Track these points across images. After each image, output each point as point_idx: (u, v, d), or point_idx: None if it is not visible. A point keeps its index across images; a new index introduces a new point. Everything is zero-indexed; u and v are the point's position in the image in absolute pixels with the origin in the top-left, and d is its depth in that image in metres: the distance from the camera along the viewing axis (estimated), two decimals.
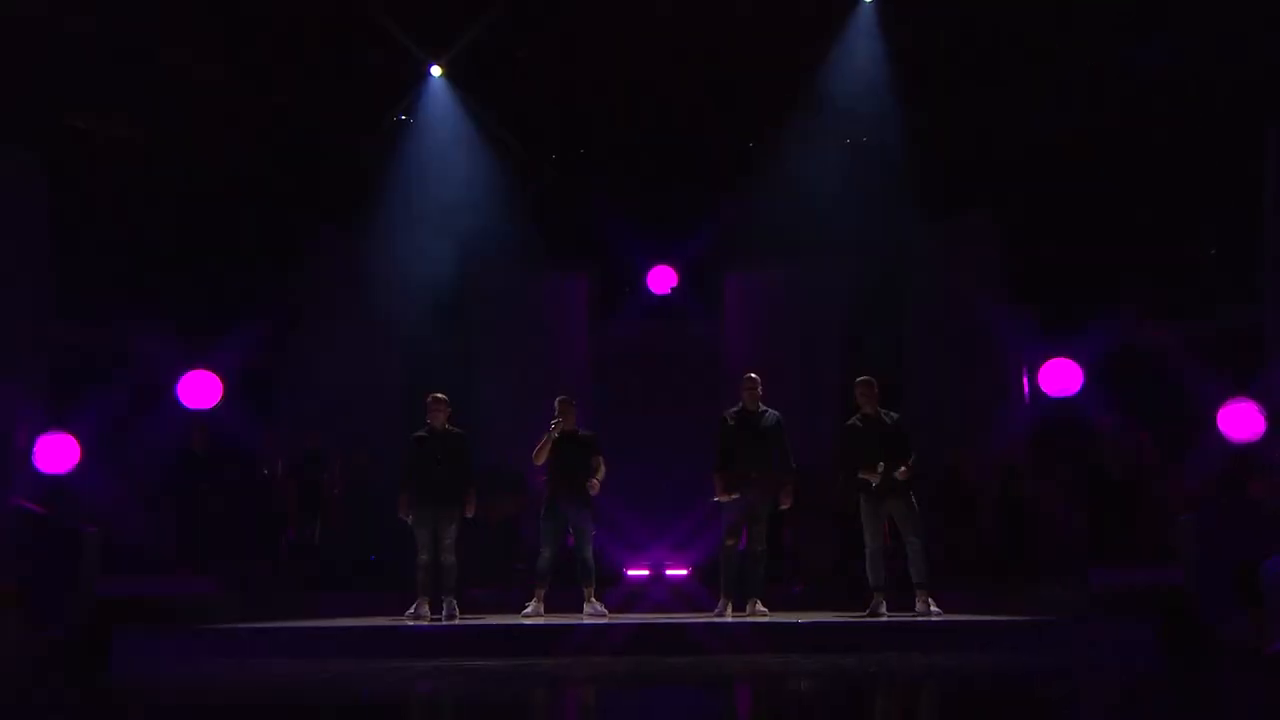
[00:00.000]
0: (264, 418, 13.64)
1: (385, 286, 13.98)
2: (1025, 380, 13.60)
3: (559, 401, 10.52)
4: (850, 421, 10.25)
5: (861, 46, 12.71)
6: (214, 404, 13.01)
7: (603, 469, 10.44)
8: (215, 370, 13.03)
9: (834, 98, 13.01)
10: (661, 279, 15.03)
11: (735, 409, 10.42)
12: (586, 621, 9.48)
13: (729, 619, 9.80)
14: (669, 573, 13.05)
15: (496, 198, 13.86)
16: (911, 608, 9.72)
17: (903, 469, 9.75)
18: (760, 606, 9.97)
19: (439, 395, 10.43)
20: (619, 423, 14.28)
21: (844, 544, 12.10)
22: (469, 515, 10.24)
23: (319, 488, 13.03)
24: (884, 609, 9.71)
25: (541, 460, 10.37)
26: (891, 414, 10.15)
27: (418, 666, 8.00)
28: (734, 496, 10.11)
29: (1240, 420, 11.81)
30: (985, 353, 13.90)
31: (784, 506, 10.26)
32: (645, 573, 13.10)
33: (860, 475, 9.89)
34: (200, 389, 12.95)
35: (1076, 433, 12.86)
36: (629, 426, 14.24)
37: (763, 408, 10.37)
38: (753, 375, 10.46)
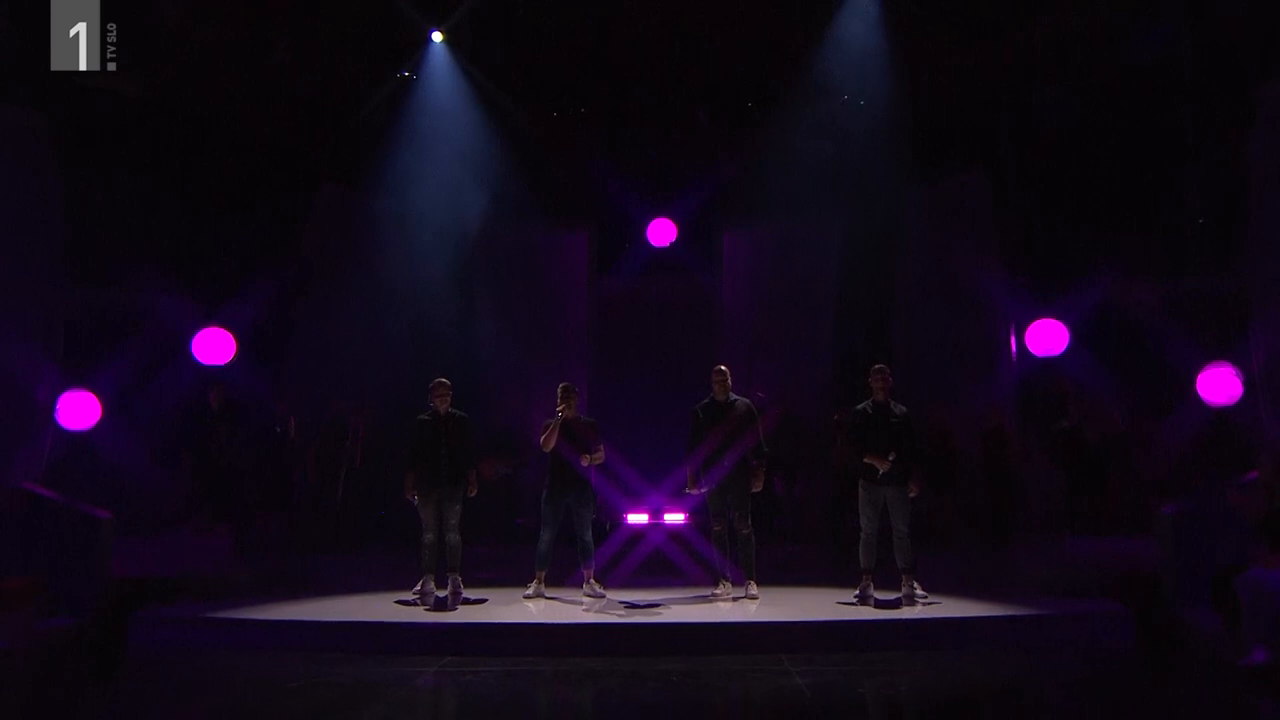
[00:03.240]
0: (276, 374, 13.44)
1: (393, 244, 13.73)
2: (1013, 339, 13.31)
3: (562, 388, 10.23)
4: (860, 406, 9.98)
5: (862, 10, 12.26)
6: (228, 360, 12.75)
7: (601, 451, 10.18)
8: (229, 327, 12.75)
9: (833, 59, 12.64)
10: (661, 231, 14.71)
11: (705, 401, 10.21)
12: (583, 616, 9.23)
13: (728, 598, 9.78)
14: (667, 518, 12.92)
15: (500, 157, 13.52)
16: (898, 587, 9.59)
17: (914, 490, 9.64)
18: (753, 589, 9.90)
19: (442, 380, 10.16)
20: (620, 373, 14.30)
21: (838, 498, 11.91)
22: (471, 495, 10.05)
23: (340, 454, 12.86)
24: (872, 589, 9.62)
25: (550, 447, 10.07)
26: (900, 406, 9.88)
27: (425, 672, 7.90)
28: (703, 489, 10.00)
29: (1219, 384, 11.59)
30: (975, 311, 13.58)
31: (755, 490, 10.06)
32: (644, 519, 12.96)
33: (866, 460, 9.69)
34: (214, 345, 12.67)
35: (1059, 395, 12.62)
36: (630, 377, 14.21)
37: (732, 397, 10.16)
38: (721, 368, 10.25)
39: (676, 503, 12.73)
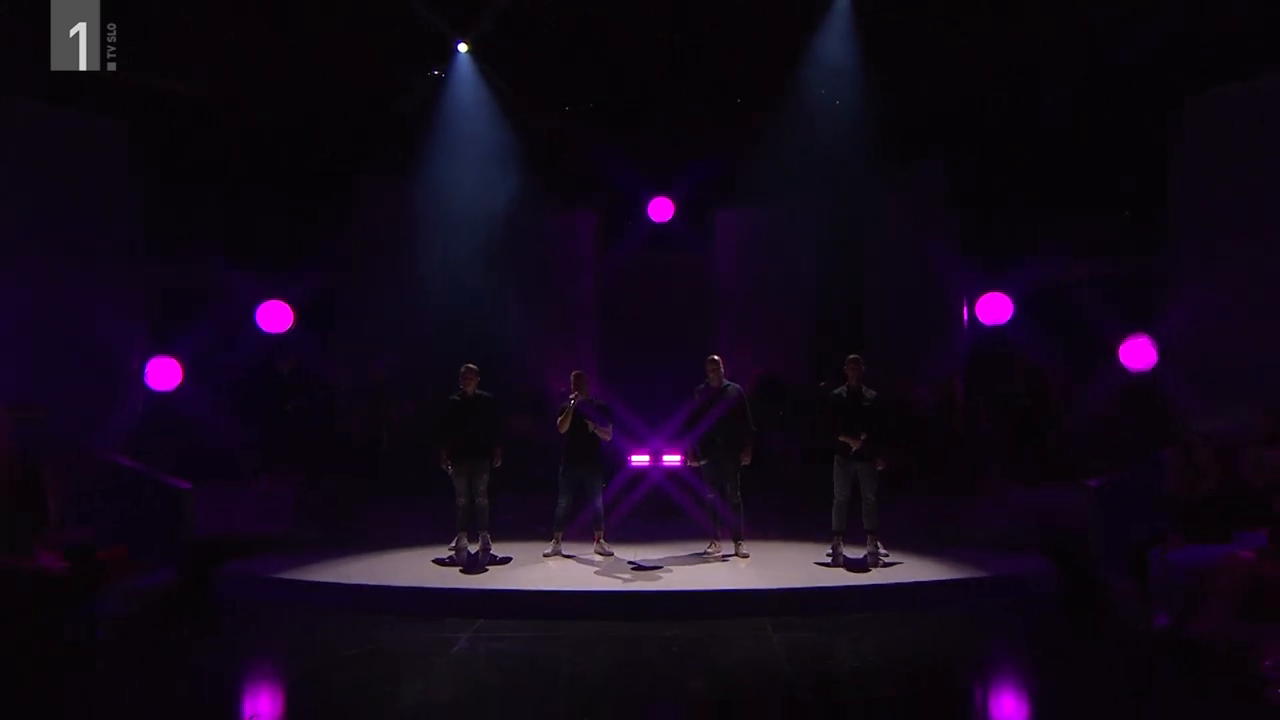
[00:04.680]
0: (325, 341, 14.43)
1: (424, 227, 14.59)
2: (965, 310, 14.27)
3: (574, 375, 10.92)
4: (836, 391, 10.68)
5: (836, 26, 13.05)
6: (286, 328, 13.82)
7: (611, 426, 10.99)
8: (287, 300, 13.83)
9: (812, 65, 13.44)
10: (660, 208, 15.54)
11: (700, 386, 10.96)
12: (595, 582, 10.03)
13: (718, 555, 10.82)
14: (665, 459, 13.85)
15: (518, 148, 14.33)
16: (865, 543, 10.48)
17: (881, 465, 10.44)
18: (743, 549, 10.82)
19: (471, 366, 10.86)
20: (624, 337, 15.15)
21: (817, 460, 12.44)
22: (497, 466, 10.85)
23: (379, 415, 13.86)
24: (843, 548, 10.51)
25: (565, 429, 10.83)
26: (871, 391, 10.56)
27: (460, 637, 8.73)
28: (703, 462, 10.87)
29: (1138, 353, 12.66)
30: (934, 286, 14.45)
31: (745, 463, 10.86)
32: (646, 459, 13.95)
33: (841, 439, 10.44)
34: (275, 316, 13.76)
35: (1003, 361, 13.70)
36: (633, 340, 15.07)
37: (725, 383, 10.88)
38: (714, 358, 10.92)
39: (674, 447, 13.37)
